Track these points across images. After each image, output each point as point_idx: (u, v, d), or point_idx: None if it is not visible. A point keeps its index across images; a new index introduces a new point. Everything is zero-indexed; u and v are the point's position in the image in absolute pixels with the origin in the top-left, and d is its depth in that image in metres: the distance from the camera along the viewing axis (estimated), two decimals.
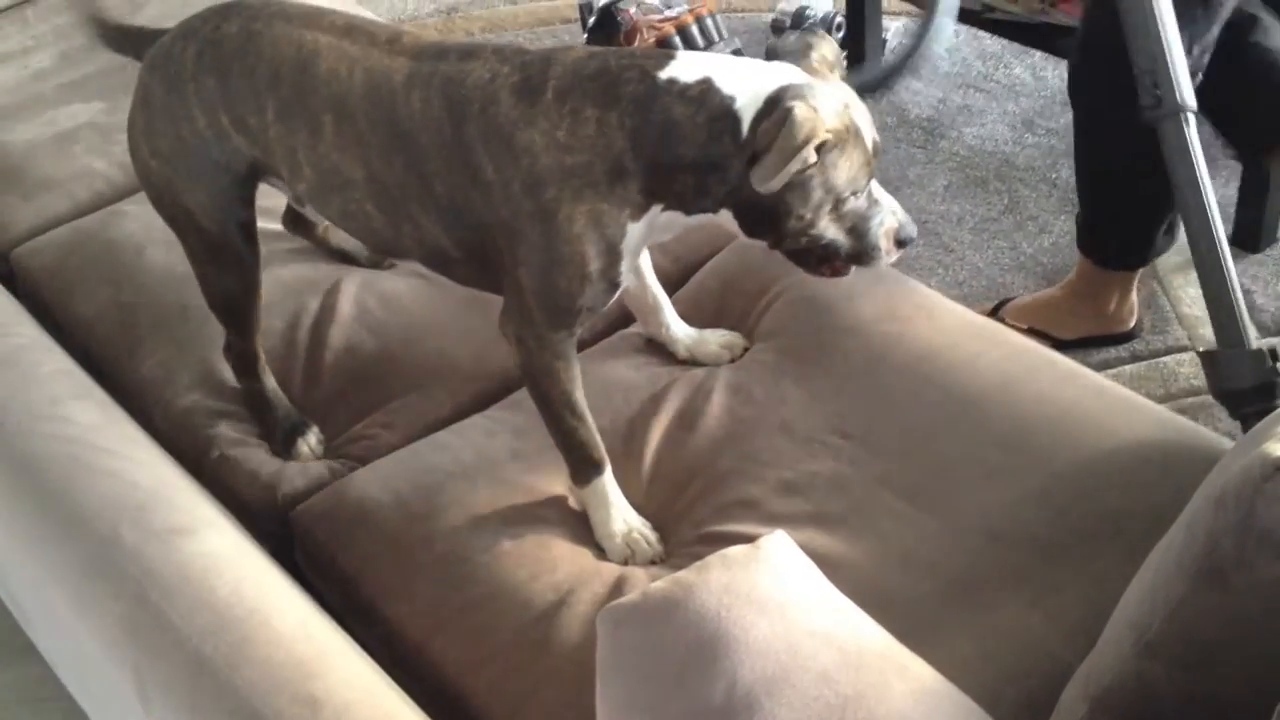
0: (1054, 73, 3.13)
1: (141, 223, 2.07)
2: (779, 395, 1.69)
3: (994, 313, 2.46)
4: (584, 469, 1.58)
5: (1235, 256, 2.65)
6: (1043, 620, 1.40)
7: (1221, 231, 1.71)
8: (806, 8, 3.29)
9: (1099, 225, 2.35)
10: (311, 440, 1.79)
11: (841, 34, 3.23)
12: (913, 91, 3.12)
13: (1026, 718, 1.29)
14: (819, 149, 1.35)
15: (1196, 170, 1.70)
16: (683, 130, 1.39)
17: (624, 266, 1.48)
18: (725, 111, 1.38)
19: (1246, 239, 2.63)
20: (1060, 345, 2.36)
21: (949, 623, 1.42)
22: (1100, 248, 2.36)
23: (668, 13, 2.88)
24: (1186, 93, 1.73)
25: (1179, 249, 2.62)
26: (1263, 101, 2.26)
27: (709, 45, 2.81)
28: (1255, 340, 1.65)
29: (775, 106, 1.36)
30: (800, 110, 1.34)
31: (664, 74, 1.40)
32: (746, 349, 1.79)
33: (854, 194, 1.42)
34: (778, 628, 0.87)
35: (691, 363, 1.78)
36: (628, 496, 1.60)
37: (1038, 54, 3.13)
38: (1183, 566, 0.94)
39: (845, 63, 3.06)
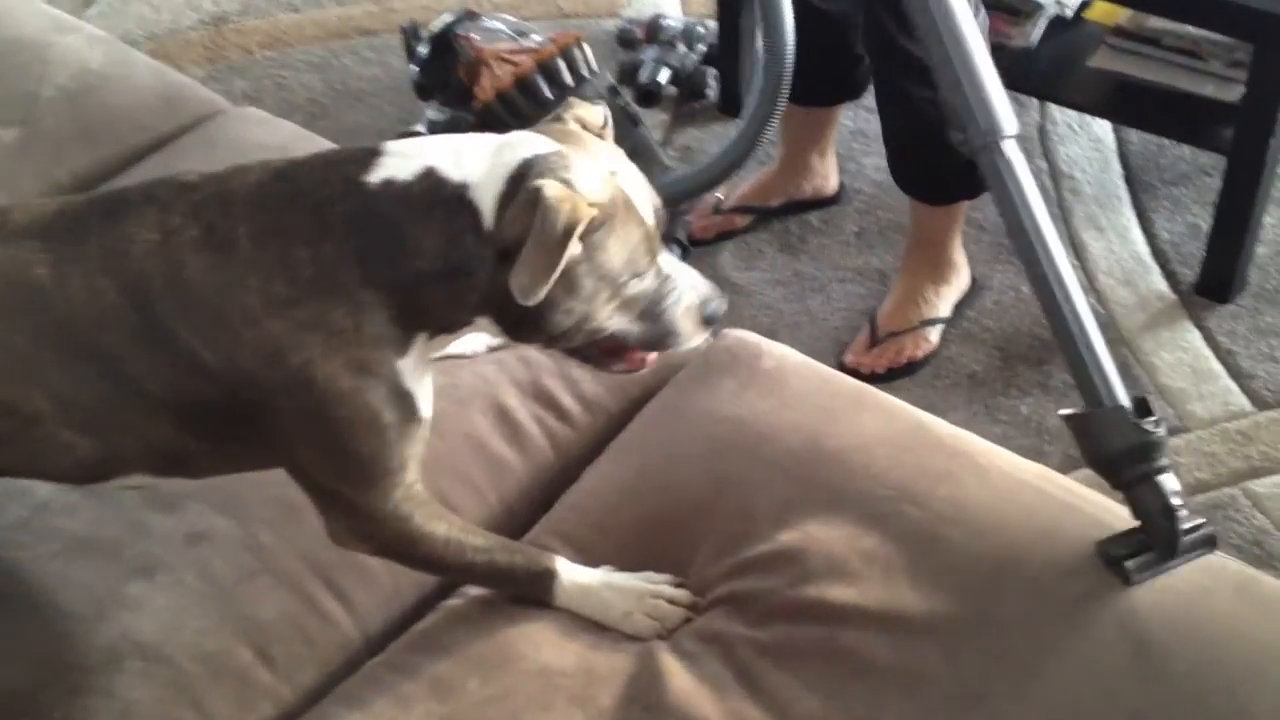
0: None
1: None
2: None
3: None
4: (536, 585, 1.34)
5: (1205, 309, 2.38)
6: None
7: (1066, 266, 1.37)
8: (662, 17, 2.82)
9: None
10: None
11: (706, 51, 2.77)
12: None
13: None
14: (582, 235, 1.15)
15: (1024, 201, 1.38)
16: (413, 239, 1.19)
17: (419, 404, 1.26)
18: (459, 203, 1.18)
19: (1214, 287, 2.32)
20: (771, 213, 2.49)
21: None
22: None
23: (524, 42, 2.33)
24: (1002, 119, 1.40)
25: (1145, 309, 2.30)
26: None
27: (579, 84, 2.29)
28: (1120, 395, 1.32)
29: (520, 185, 1.16)
30: (551, 190, 1.14)
31: (373, 177, 1.19)
32: None
33: (636, 276, 1.22)
34: None
35: None
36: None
37: None
38: None
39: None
